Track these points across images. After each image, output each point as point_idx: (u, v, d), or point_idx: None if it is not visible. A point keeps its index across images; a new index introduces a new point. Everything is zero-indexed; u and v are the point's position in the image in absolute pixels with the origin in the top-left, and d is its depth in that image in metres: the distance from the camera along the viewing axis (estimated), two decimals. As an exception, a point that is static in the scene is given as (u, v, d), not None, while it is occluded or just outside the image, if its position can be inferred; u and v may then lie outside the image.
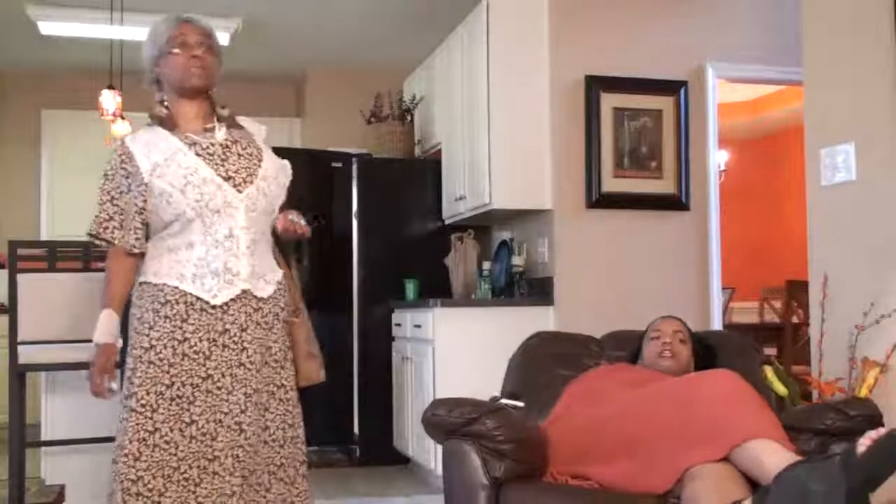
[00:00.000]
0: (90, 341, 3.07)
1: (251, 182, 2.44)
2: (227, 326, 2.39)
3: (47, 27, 6.08)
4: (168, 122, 2.47)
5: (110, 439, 3.66)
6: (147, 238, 2.45)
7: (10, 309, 3.47)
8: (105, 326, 2.40)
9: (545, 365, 3.19)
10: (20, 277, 3.47)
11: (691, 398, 2.44)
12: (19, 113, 7.32)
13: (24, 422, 3.66)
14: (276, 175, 2.53)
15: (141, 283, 2.43)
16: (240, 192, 2.42)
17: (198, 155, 2.41)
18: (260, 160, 2.49)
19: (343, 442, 5.54)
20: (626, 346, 3.18)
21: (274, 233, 2.56)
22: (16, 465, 3.57)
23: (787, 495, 2.07)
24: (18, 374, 3.53)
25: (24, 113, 7.29)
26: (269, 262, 2.52)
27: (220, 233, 2.39)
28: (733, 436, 2.30)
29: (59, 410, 3.97)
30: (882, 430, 2.14)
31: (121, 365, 2.46)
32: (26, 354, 3.48)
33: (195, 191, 2.36)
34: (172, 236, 2.41)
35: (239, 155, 2.46)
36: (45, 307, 3.48)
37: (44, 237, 7.05)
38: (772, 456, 2.22)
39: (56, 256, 3.55)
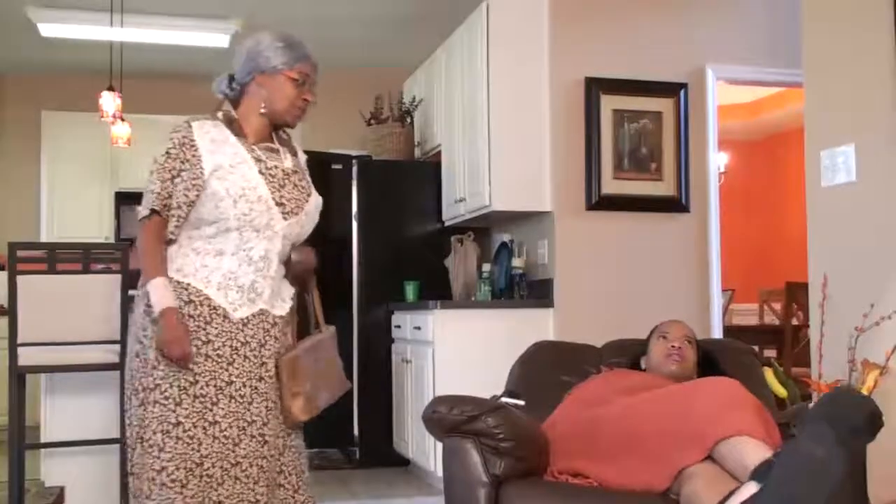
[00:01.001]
0: (90, 343, 3.07)
1: (297, 214, 2.49)
2: (248, 339, 2.43)
3: (47, 29, 6.08)
4: (237, 127, 2.49)
5: (110, 441, 3.69)
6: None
7: (10, 310, 3.48)
8: (166, 292, 2.36)
9: (546, 370, 3.20)
10: (20, 279, 3.48)
11: (690, 401, 2.45)
12: (19, 114, 7.32)
13: (24, 424, 3.67)
14: (312, 212, 2.57)
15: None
16: (285, 219, 2.46)
17: (261, 173, 2.44)
18: (309, 195, 2.55)
19: (343, 444, 5.53)
20: (626, 355, 3.17)
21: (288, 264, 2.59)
22: (15, 466, 3.57)
23: (789, 459, 2.08)
24: (18, 375, 3.53)
25: (24, 114, 7.29)
26: (285, 282, 2.57)
27: (255, 252, 2.43)
28: (720, 431, 2.30)
29: (58, 412, 3.97)
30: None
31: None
32: (26, 356, 3.49)
33: (246, 205, 2.39)
34: (203, 239, 2.42)
35: (295, 185, 2.51)
36: (45, 309, 3.48)
37: (43, 239, 7.04)
38: (753, 454, 2.22)
39: (56, 258, 3.55)
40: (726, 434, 2.29)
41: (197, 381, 2.36)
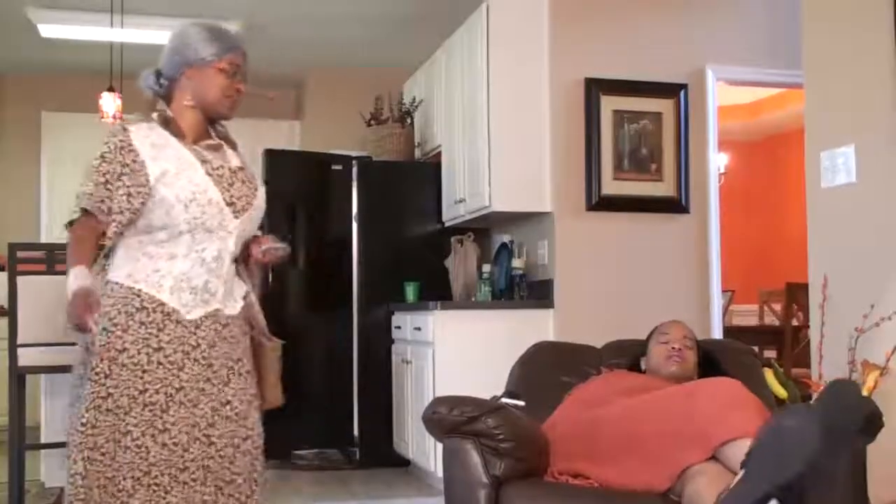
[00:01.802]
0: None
1: (247, 210, 2.46)
2: (199, 342, 2.40)
3: (47, 29, 6.08)
4: (175, 128, 2.44)
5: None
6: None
7: (10, 311, 3.48)
8: (83, 276, 2.29)
9: (546, 371, 3.20)
10: (20, 279, 3.48)
11: (692, 402, 2.45)
12: (19, 115, 7.32)
13: (24, 424, 3.66)
14: (261, 204, 2.54)
15: (109, 283, 2.38)
16: (236, 218, 2.43)
17: (208, 174, 2.40)
18: (256, 189, 2.52)
19: (343, 444, 5.53)
20: (626, 356, 3.17)
21: (247, 259, 2.56)
22: (15, 467, 3.57)
23: (764, 437, 2.12)
24: (18, 376, 3.53)
25: (24, 115, 7.29)
26: (237, 280, 2.53)
27: (208, 253, 2.39)
28: (724, 433, 2.30)
29: (58, 413, 3.97)
30: None
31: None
32: (26, 357, 3.49)
33: (198, 209, 2.36)
34: (155, 244, 2.38)
35: (242, 182, 2.47)
36: (45, 309, 3.48)
37: (43, 239, 7.03)
38: None
39: (55, 259, 3.55)
40: (732, 436, 2.29)
41: (146, 389, 2.33)
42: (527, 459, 2.56)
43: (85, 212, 2.37)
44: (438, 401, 2.66)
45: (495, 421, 2.51)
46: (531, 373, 3.20)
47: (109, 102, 5.69)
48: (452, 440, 2.59)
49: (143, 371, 2.34)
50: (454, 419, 2.54)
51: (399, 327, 5.10)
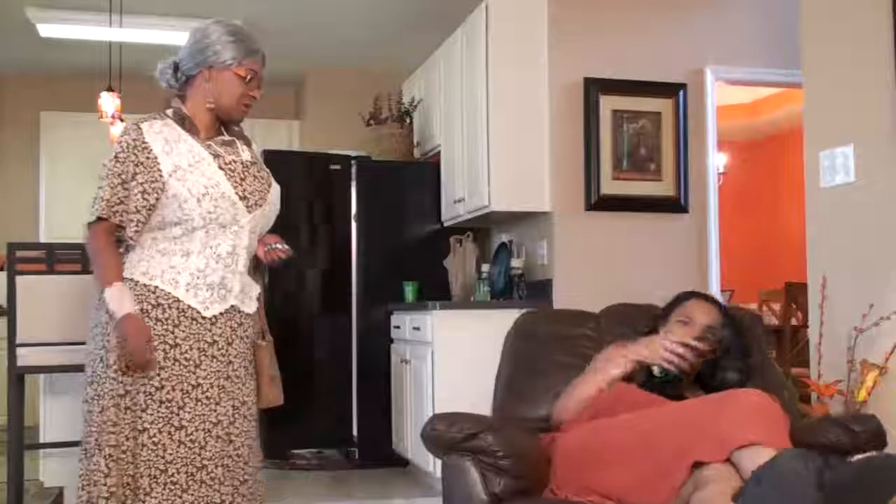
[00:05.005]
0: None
1: (260, 205, 2.47)
2: (216, 338, 2.41)
3: (46, 29, 6.08)
4: (189, 124, 2.46)
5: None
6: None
7: (9, 311, 3.48)
8: (124, 298, 2.30)
9: (543, 349, 3.13)
10: (19, 279, 3.48)
11: (715, 407, 2.37)
12: (18, 115, 7.32)
13: (23, 424, 3.66)
14: (275, 201, 2.56)
15: (125, 280, 2.38)
16: (249, 212, 2.44)
17: (220, 168, 2.41)
18: (269, 185, 2.53)
19: (342, 444, 5.53)
20: (626, 322, 3.08)
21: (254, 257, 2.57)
22: (14, 467, 3.57)
23: (764, 473, 2.07)
24: (17, 376, 3.53)
25: (23, 115, 7.30)
26: (251, 279, 2.55)
27: (222, 248, 2.40)
28: (741, 437, 2.24)
29: (57, 413, 3.97)
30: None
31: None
32: (25, 356, 3.49)
33: (210, 203, 2.37)
34: (169, 240, 2.39)
35: (255, 177, 2.49)
36: (44, 309, 3.48)
37: (43, 239, 7.04)
38: None
39: (55, 258, 3.55)
40: (748, 441, 2.22)
41: (163, 387, 2.34)
42: (526, 476, 2.52)
43: (101, 219, 2.37)
44: (437, 417, 2.61)
45: (494, 438, 2.48)
46: (525, 348, 3.12)
47: (108, 102, 5.69)
48: (451, 457, 2.55)
49: (160, 367, 2.34)
50: (452, 436, 2.50)
51: (398, 327, 5.10)
